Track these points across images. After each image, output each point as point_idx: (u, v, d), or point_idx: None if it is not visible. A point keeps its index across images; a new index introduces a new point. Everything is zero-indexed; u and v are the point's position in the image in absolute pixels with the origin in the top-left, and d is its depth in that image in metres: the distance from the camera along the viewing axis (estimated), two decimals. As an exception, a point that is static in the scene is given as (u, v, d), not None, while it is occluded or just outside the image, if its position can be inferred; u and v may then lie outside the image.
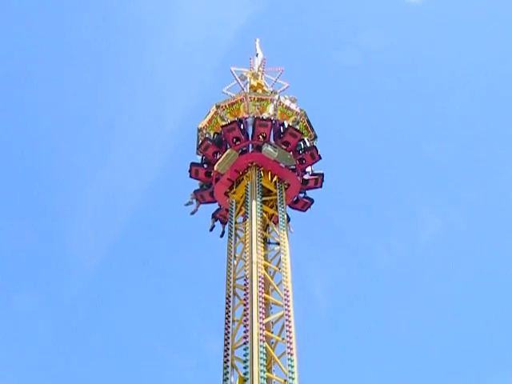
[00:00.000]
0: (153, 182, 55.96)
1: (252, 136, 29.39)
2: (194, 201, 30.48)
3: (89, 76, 61.29)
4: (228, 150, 29.18)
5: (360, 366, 51.15)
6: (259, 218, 27.04)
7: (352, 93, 58.43)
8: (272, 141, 29.39)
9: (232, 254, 27.03)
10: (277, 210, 28.26)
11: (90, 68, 61.91)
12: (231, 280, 26.08)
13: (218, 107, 30.43)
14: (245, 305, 24.46)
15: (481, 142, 57.95)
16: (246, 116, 29.95)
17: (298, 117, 30.51)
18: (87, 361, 54.46)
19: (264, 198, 28.33)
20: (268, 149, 28.80)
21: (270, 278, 26.05)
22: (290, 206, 30.05)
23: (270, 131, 29.45)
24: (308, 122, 30.79)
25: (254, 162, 28.99)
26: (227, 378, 23.37)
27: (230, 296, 25.63)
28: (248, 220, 27.03)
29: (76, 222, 59.07)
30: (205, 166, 30.09)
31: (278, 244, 27.16)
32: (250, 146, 29.37)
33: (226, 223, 29.63)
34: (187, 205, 30.53)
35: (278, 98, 30.63)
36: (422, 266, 56.74)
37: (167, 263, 56.58)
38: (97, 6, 63.04)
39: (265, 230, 27.67)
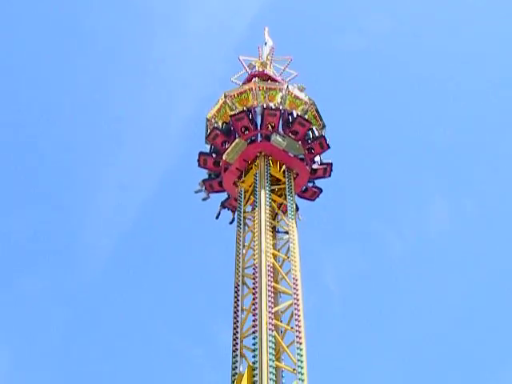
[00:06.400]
0: (165, 172, 56.14)
1: (261, 125, 29.42)
2: (204, 189, 30.52)
3: (101, 66, 61.45)
4: (236, 140, 29.20)
5: (370, 355, 51.19)
6: (268, 207, 27.00)
7: (361, 81, 58.37)
8: (281, 130, 29.46)
9: (241, 243, 26.97)
10: (286, 199, 28.21)
11: (102, 58, 62.04)
12: (240, 269, 26.03)
13: (226, 97, 30.52)
14: (253, 294, 24.39)
15: (494, 129, 57.69)
16: (254, 105, 29.93)
17: (307, 106, 30.54)
18: (98, 349, 54.75)
19: (273, 187, 28.30)
20: (277, 138, 28.84)
21: (278, 267, 25.99)
22: (298, 195, 30.01)
23: (279, 121, 29.51)
24: (317, 111, 30.79)
25: (263, 152, 28.97)
26: (236, 367, 23.35)
27: (238, 285, 25.56)
28: (257, 209, 26.98)
29: (88, 212, 59.28)
30: (213, 155, 30.08)
31: (287, 233, 27.10)
32: (259, 135, 29.34)
33: (235, 211, 29.44)
34: (197, 192, 30.60)
35: (287, 87, 30.59)
36: (434, 253, 56.69)
37: (178, 253, 56.73)
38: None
39: (273, 219, 27.62)
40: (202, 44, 60.10)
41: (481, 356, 53.50)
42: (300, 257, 26.54)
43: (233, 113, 29.80)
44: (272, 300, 24.13)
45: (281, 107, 29.79)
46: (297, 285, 25.19)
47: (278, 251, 26.68)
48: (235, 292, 25.46)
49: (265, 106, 29.61)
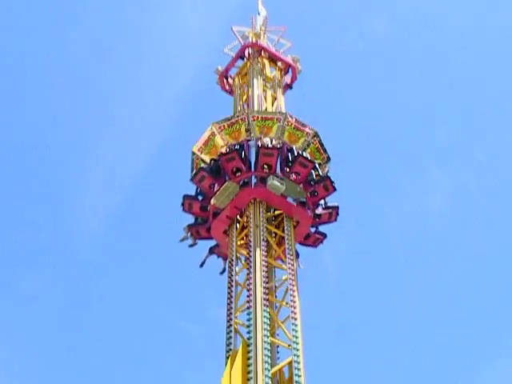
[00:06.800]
0: (158, 148, 55.76)
1: (255, 166, 25.63)
2: (189, 235, 27.06)
3: (94, 39, 60.84)
4: (227, 183, 25.58)
5: (365, 331, 51.06)
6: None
7: (355, 58, 57.90)
8: (278, 171, 25.62)
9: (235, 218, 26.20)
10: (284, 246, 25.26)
11: (95, 31, 61.44)
12: (233, 243, 25.37)
13: (215, 127, 27.01)
14: (248, 268, 23.96)
15: (492, 104, 57.31)
16: (248, 139, 26.38)
17: (309, 138, 26.95)
18: (95, 329, 54.47)
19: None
20: (274, 182, 25.10)
21: (273, 242, 25.46)
22: (299, 243, 26.66)
23: (276, 161, 25.67)
24: (320, 143, 27.19)
25: (258, 198, 25.48)
26: (230, 343, 22.89)
27: (232, 260, 24.95)
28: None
29: (81, 190, 58.86)
30: (199, 197, 26.51)
31: (281, 209, 26.20)
32: (253, 177, 25.62)
33: (226, 259, 25.96)
34: (182, 240, 27.08)
35: (285, 117, 27.01)
36: (433, 229, 56.38)
37: (172, 229, 56.23)
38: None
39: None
40: (195, 15, 59.44)
41: (478, 333, 53.27)
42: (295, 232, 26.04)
43: (223, 151, 26.12)
44: (266, 275, 23.70)
45: (279, 145, 25.97)
46: (292, 259, 24.68)
47: (273, 226, 26.05)
48: (229, 267, 24.95)
49: (260, 144, 25.76)
